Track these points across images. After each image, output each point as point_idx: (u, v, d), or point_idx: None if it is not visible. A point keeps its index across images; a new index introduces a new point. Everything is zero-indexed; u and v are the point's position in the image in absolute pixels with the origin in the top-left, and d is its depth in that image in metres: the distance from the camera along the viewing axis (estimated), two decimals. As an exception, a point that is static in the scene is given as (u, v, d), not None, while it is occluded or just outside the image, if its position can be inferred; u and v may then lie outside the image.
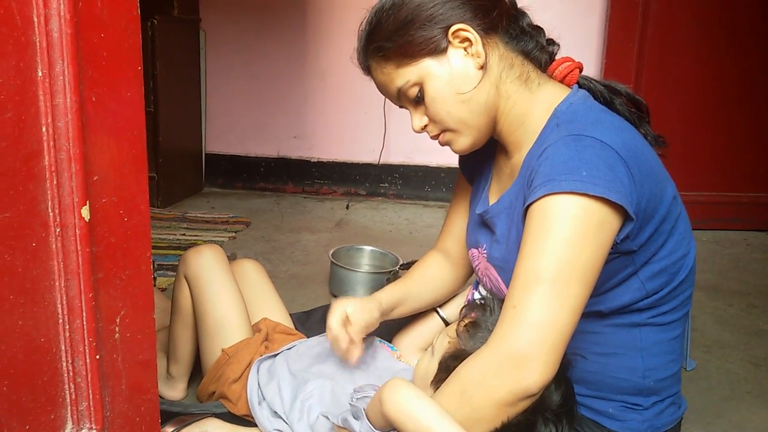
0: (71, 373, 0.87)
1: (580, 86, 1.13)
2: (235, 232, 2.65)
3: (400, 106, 1.13)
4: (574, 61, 1.14)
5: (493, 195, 1.21)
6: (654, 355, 1.10)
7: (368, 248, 2.18)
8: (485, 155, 1.25)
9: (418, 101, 1.08)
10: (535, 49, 1.11)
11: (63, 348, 0.86)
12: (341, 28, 3.05)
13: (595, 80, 1.15)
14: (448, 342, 1.08)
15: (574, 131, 0.99)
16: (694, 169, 2.73)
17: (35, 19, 0.77)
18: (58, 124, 0.80)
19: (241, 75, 3.18)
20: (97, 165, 0.84)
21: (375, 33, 1.09)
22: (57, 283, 0.84)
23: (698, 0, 2.64)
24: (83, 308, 0.86)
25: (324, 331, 1.32)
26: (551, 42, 1.14)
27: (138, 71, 0.88)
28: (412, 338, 1.39)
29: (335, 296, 2.04)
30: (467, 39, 1.05)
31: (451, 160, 3.07)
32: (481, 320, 1.08)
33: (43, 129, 0.79)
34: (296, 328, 1.48)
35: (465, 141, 1.10)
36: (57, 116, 0.80)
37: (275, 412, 1.24)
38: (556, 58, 1.15)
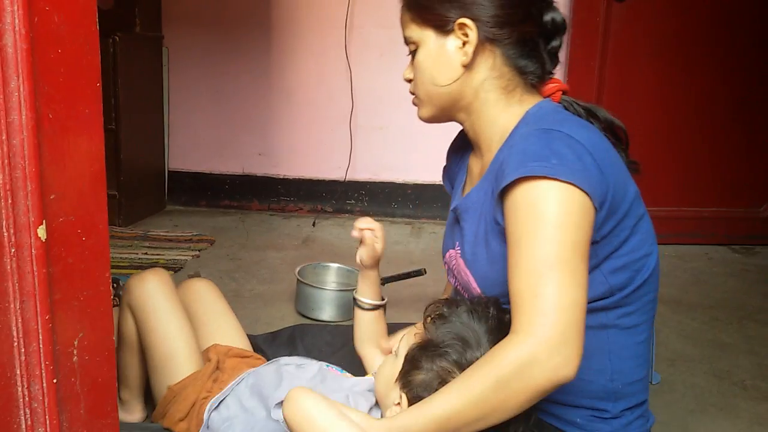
0: (27, 398, 0.84)
1: (562, 104, 1.16)
2: (199, 251, 2.62)
3: None
4: (561, 83, 1.18)
5: (465, 192, 1.24)
6: (621, 359, 1.11)
7: (335, 266, 2.17)
8: (460, 163, 1.30)
9: (413, 56, 1.16)
10: (536, 70, 1.14)
11: (18, 372, 0.83)
12: (306, 47, 3.05)
13: (576, 102, 1.18)
14: (414, 338, 1.07)
15: (544, 126, 1.03)
16: (655, 184, 2.77)
17: (-13, 35, 0.75)
18: (12, 142, 0.78)
19: (204, 92, 3.16)
20: (54, 183, 0.82)
21: None
22: (12, 305, 0.81)
23: (655, 20, 2.69)
24: (39, 331, 0.83)
25: (288, 354, 1.32)
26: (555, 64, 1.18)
27: (97, 88, 0.86)
28: (357, 334, 1.36)
29: (302, 315, 2.02)
30: (466, 35, 1.10)
31: (416, 177, 3.08)
32: (447, 313, 1.07)
33: (-3, 147, 0.77)
34: (262, 350, 1.46)
35: (425, 110, 1.19)
36: (12, 133, 0.77)
37: None
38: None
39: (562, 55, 2.85)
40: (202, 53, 3.11)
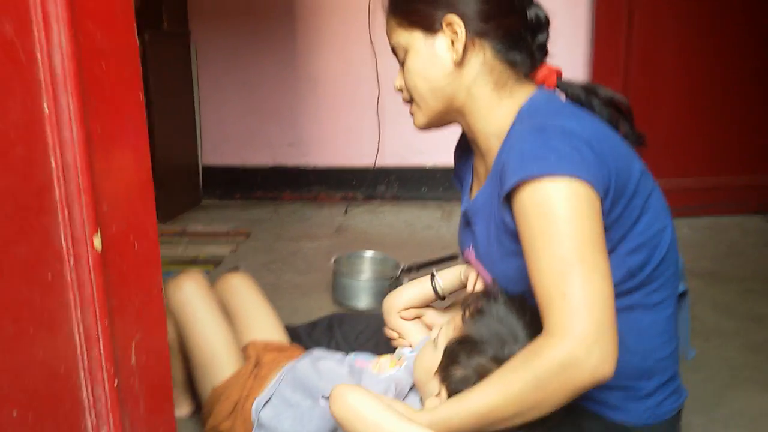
0: (91, 400, 0.88)
1: (558, 89, 1.17)
2: (237, 244, 2.67)
3: None
4: (552, 67, 1.17)
5: (473, 194, 1.26)
6: (650, 336, 1.13)
7: (369, 254, 2.20)
8: (467, 164, 1.31)
9: (402, 64, 1.15)
10: (524, 62, 1.14)
11: (82, 376, 0.87)
12: (331, 34, 3.07)
13: (573, 83, 1.17)
14: (453, 330, 1.10)
15: (537, 122, 1.04)
16: (685, 155, 2.75)
17: (38, 56, 0.78)
18: (66, 158, 0.81)
19: (233, 85, 3.19)
20: (105, 194, 0.85)
21: None
22: (73, 313, 0.85)
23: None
24: (100, 336, 0.87)
25: (327, 342, 1.37)
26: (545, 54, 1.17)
27: (140, 98, 0.89)
28: (397, 299, 1.37)
29: (339, 304, 2.06)
30: (455, 33, 1.09)
31: (445, 160, 3.09)
32: (485, 308, 1.10)
33: (52, 163, 0.81)
34: (301, 340, 1.50)
35: (420, 117, 1.18)
36: (65, 149, 0.81)
37: None
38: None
39: (588, 29, 2.84)
40: (229, 47, 3.14)
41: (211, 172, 3.29)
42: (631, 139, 1.13)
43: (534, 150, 0.99)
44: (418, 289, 1.34)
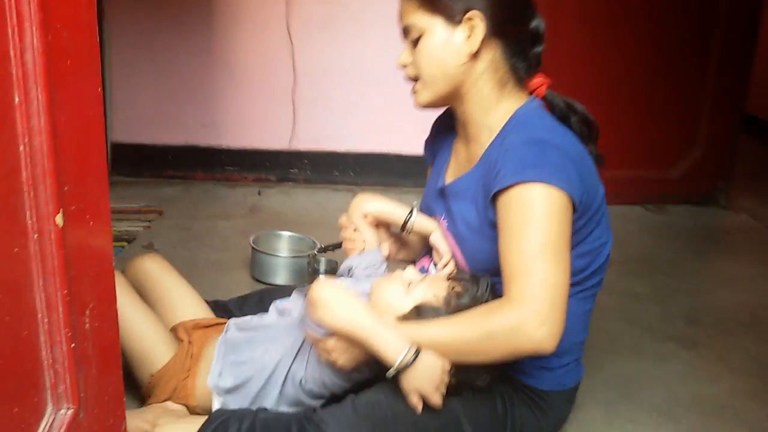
0: (50, 361, 0.98)
1: (545, 99, 1.35)
2: (149, 221, 2.72)
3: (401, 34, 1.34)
4: (544, 77, 1.36)
5: (450, 175, 1.41)
6: (571, 323, 1.29)
7: (287, 233, 2.32)
8: (445, 142, 1.46)
9: (414, 44, 1.28)
10: (524, 69, 1.31)
11: (42, 339, 0.97)
12: (247, 21, 3.13)
13: (558, 97, 1.36)
14: (433, 296, 1.24)
15: (535, 135, 1.21)
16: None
17: (11, 53, 0.87)
18: (33, 143, 0.91)
19: (147, 66, 3.21)
20: (67, 177, 0.95)
21: None
22: (36, 283, 0.95)
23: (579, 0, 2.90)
24: (59, 304, 0.97)
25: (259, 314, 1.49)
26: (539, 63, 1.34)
27: (98, 92, 0.99)
28: (370, 204, 1.50)
29: (257, 280, 2.18)
30: (473, 27, 1.24)
31: (357, 146, 3.24)
32: (467, 292, 1.24)
33: (21, 148, 0.90)
34: (233, 315, 1.61)
35: (425, 95, 1.31)
36: (33, 136, 0.90)
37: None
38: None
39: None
40: (144, 28, 3.16)
41: (121, 149, 3.30)
42: (593, 157, 1.33)
43: (533, 159, 1.16)
44: (391, 208, 1.46)
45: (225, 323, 1.54)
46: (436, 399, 1.21)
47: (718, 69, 3.07)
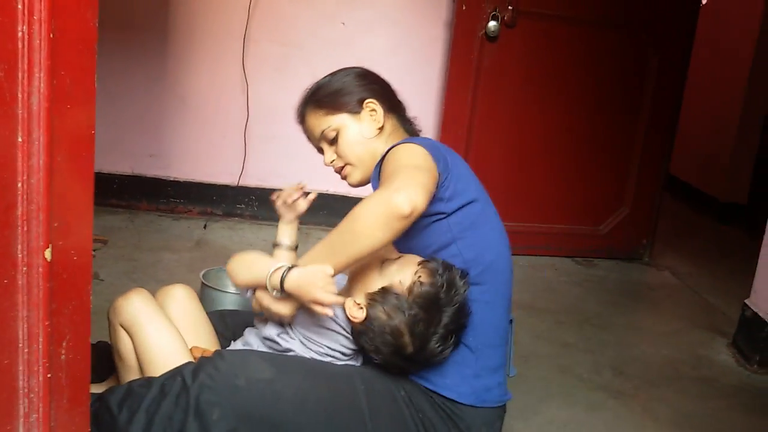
0: (26, 390, 1.01)
1: None
2: (94, 250, 2.72)
3: (317, 147, 1.66)
4: None
5: None
6: (483, 325, 1.46)
7: (236, 270, 2.36)
8: None
9: (333, 142, 1.59)
10: (411, 129, 1.66)
11: (21, 368, 1.00)
12: (203, 55, 3.19)
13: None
14: (399, 282, 1.38)
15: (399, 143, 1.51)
16: (513, 202, 3.14)
17: (19, 95, 0.92)
18: (31, 181, 0.95)
19: (96, 91, 3.21)
20: (57, 214, 1.00)
21: (316, 92, 1.62)
22: (20, 314, 0.98)
23: (520, 60, 3.07)
24: (40, 335, 1.00)
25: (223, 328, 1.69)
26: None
27: (92, 134, 1.05)
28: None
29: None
30: (374, 109, 1.57)
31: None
32: (431, 281, 1.37)
33: (19, 185, 0.95)
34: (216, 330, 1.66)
35: (358, 175, 1.60)
36: (31, 174, 0.95)
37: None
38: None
39: (440, 84, 3.19)
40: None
41: (68, 175, 3.27)
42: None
43: (402, 142, 1.48)
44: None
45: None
46: (327, 298, 1.31)
47: (645, 133, 3.29)
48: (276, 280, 1.35)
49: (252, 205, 3.31)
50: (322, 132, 1.59)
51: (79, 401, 1.12)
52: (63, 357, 1.06)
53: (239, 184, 3.26)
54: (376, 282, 1.41)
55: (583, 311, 2.73)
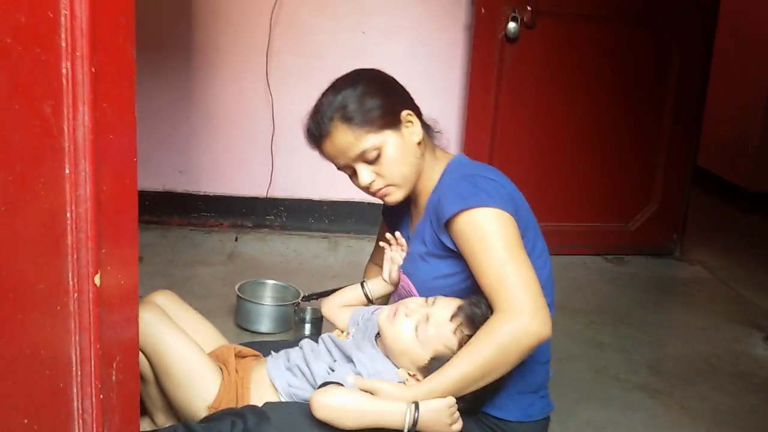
0: (80, 411, 1.05)
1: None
2: (129, 267, 2.77)
3: (344, 167, 1.51)
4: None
5: (411, 229, 1.63)
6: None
7: (270, 282, 2.40)
8: (402, 214, 1.65)
9: (373, 162, 1.45)
10: (432, 133, 1.56)
11: (75, 390, 1.04)
12: (227, 71, 3.24)
13: None
14: (444, 347, 1.36)
15: (465, 172, 1.45)
16: (541, 202, 3.13)
17: (65, 129, 0.96)
18: (79, 210, 0.99)
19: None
20: (105, 240, 1.03)
21: (346, 109, 1.45)
22: (73, 338, 1.02)
23: (542, 59, 3.08)
24: (92, 358, 1.04)
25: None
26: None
27: (134, 162, 1.08)
28: (336, 299, 1.67)
29: (241, 328, 2.24)
30: (411, 122, 1.48)
31: (332, 194, 3.35)
32: (473, 325, 1.37)
33: (68, 214, 0.98)
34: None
35: (400, 194, 1.49)
36: (79, 204, 0.99)
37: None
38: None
39: (462, 88, 3.20)
40: (125, 75, 3.23)
41: (100, 194, 3.34)
42: None
43: (468, 189, 1.38)
44: (350, 294, 1.66)
45: (258, 355, 1.63)
46: (456, 429, 1.34)
47: (671, 127, 3.28)
48: (411, 424, 1.30)
49: (281, 215, 3.36)
50: (362, 153, 1.44)
51: (130, 420, 1.15)
52: (114, 378, 1.10)
53: (268, 196, 3.31)
54: (420, 356, 1.37)
55: (615, 310, 2.73)
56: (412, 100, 1.55)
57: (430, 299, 1.43)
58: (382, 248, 1.67)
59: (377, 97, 1.47)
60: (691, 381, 2.19)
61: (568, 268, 3.14)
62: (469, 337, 1.35)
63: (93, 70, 0.96)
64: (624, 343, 2.42)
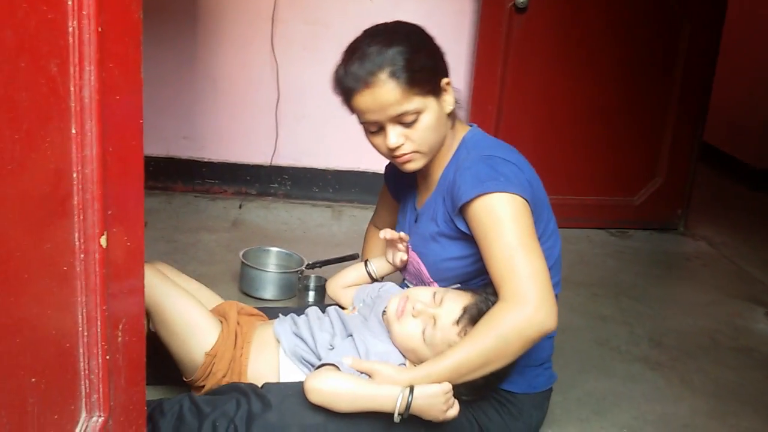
0: (87, 371, 1.06)
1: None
2: (134, 232, 2.77)
3: (372, 123, 1.42)
4: None
5: (419, 204, 1.60)
6: None
7: (275, 249, 2.40)
8: (408, 183, 1.62)
9: (409, 125, 1.39)
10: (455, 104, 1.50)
11: (81, 351, 1.04)
12: (233, 38, 3.21)
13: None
14: (449, 348, 1.36)
15: (484, 153, 1.41)
16: (544, 174, 3.10)
17: (72, 89, 0.95)
18: (85, 171, 0.99)
19: (131, 77, 3.26)
20: (111, 202, 1.03)
21: (409, 63, 1.37)
22: (79, 298, 1.02)
23: (549, 31, 3.04)
24: (98, 318, 1.04)
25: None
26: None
27: (140, 124, 1.08)
28: (341, 280, 1.67)
29: (246, 294, 2.25)
30: (447, 90, 1.44)
31: (336, 163, 3.34)
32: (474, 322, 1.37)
33: (74, 175, 0.98)
34: None
35: (422, 162, 1.45)
36: (85, 164, 0.98)
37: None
38: None
39: (469, 60, 3.17)
40: (130, 40, 3.21)
41: (104, 159, 3.33)
42: None
43: (487, 172, 1.35)
44: (355, 274, 1.65)
45: (263, 316, 1.65)
46: (451, 415, 1.33)
47: (678, 102, 3.25)
48: (402, 408, 1.29)
49: (285, 184, 3.35)
50: (403, 113, 1.38)
51: (135, 381, 1.16)
52: (120, 339, 1.10)
53: (272, 164, 3.30)
54: (423, 351, 1.38)
55: (618, 283, 2.73)
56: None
57: (438, 295, 1.41)
58: (383, 211, 1.67)
59: (429, 58, 1.42)
60: (692, 354, 2.20)
61: (571, 242, 3.14)
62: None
63: (99, 29, 0.95)
64: (626, 316, 2.43)
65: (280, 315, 1.59)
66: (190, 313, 1.51)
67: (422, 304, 1.40)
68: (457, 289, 1.47)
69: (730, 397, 1.97)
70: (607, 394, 1.93)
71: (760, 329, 2.42)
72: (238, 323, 1.54)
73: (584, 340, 2.23)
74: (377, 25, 1.48)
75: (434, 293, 1.42)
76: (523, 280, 1.28)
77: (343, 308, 1.62)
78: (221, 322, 1.55)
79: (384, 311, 1.45)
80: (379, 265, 1.63)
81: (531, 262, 1.30)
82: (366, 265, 1.65)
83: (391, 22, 1.50)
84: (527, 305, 1.27)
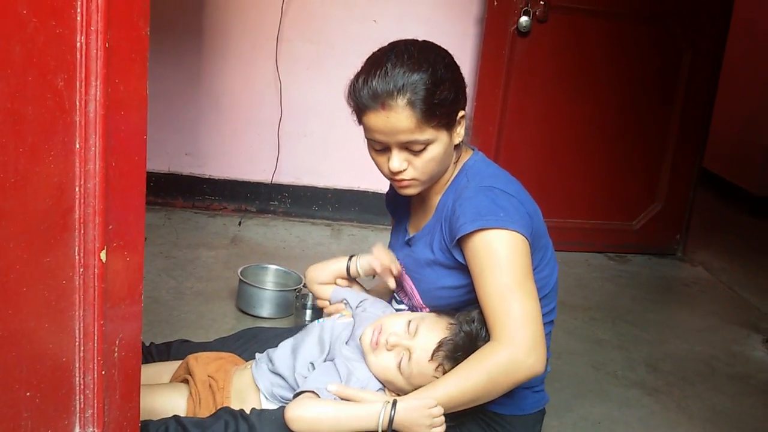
0: (82, 386, 1.06)
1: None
2: (132, 247, 2.77)
3: (377, 143, 1.38)
4: None
5: (412, 227, 1.58)
6: None
7: (273, 267, 2.40)
8: (401, 201, 1.62)
9: (416, 152, 1.36)
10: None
11: (77, 365, 1.04)
12: (237, 55, 3.23)
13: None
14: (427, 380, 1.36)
15: (485, 184, 1.39)
16: (543, 198, 3.12)
17: (77, 104, 0.96)
18: (87, 185, 0.99)
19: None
20: (112, 217, 1.03)
21: (431, 95, 1.33)
22: (77, 313, 1.02)
23: (551, 55, 3.06)
24: (95, 333, 1.04)
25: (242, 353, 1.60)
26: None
27: (143, 140, 1.08)
28: (319, 272, 1.63)
29: (242, 311, 2.25)
30: (460, 123, 1.42)
31: (336, 182, 3.34)
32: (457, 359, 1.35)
33: (77, 189, 0.99)
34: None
35: (419, 189, 1.43)
36: (87, 179, 0.99)
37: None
38: None
39: (470, 83, 3.19)
40: (134, 55, 3.23)
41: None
42: None
43: (487, 206, 1.33)
44: (337, 267, 1.62)
45: (233, 356, 1.59)
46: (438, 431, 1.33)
47: (678, 128, 3.27)
48: (385, 423, 1.29)
49: (285, 202, 3.35)
50: (413, 141, 1.34)
51: (130, 397, 1.16)
52: (116, 355, 1.10)
53: (273, 182, 3.30)
54: (400, 383, 1.38)
55: (616, 307, 2.73)
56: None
57: (413, 323, 1.39)
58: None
59: (450, 91, 1.37)
60: (689, 380, 2.19)
61: (570, 265, 3.14)
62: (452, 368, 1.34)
63: (107, 45, 0.96)
64: (623, 341, 2.42)
65: (257, 355, 1.53)
66: (147, 400, 1.41)
67: (396, 336, 1.37)
68: (434, 312, 1.46)
69: (726, 424, 1.97)
70: (602, 419, 1.92)
71: (757, 356, 2.42)
72: (212, 378, 1.48)
73: (581, 364, 2.22)
74: (405, 42, 1.42)
75: (408, 322, 1.40)
76: (515, 323, 1.28)
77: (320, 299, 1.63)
78: (187, 380, 1.50)
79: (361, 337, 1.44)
80: (362, 264, 1.58)
81: (524, 304, 1.29)
82: (350, 259, 1.60)
83: (420, 41, 1.45)
84: (518, 349, 1.27)
